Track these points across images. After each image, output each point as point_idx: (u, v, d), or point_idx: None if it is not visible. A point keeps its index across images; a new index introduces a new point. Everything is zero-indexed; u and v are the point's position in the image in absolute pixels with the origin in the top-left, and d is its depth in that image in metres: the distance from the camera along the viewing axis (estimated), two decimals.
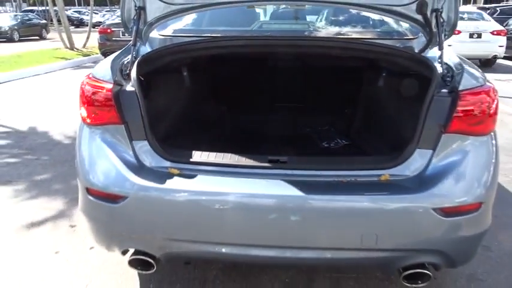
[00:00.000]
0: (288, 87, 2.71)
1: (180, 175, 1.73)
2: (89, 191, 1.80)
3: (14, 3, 38.47)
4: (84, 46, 14.58)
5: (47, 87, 8.54)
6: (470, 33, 10.66)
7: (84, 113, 1.88)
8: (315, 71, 2.58)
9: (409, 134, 1.73)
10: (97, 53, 12.52)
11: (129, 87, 1.83)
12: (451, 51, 2.04)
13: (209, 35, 2.38)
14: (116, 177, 1.73)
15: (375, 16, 2.34)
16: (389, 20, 2.25)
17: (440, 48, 1.89)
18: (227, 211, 1.65)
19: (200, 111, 2.45)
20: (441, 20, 1.93)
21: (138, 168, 1.75)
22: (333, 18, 2.80)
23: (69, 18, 26.78)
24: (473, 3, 29.93)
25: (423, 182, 1.67)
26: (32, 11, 31.65)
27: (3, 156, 4.33)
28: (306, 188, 1.65)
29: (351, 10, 2.37)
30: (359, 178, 1.71)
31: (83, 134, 1.89)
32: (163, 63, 2.07)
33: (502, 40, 10.72)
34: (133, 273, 2.37)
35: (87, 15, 34.12)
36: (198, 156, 1.83)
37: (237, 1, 2.06)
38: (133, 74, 1.84)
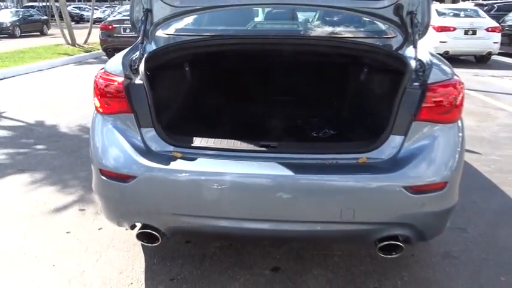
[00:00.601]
0: (281, 81, 2.95)
1: (182, 158, 1.97)
2: (102, 172, 2.03)
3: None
4: (85, 42, 14.79)
5: (50, 82, 8.77)
6: (465, 30, 10.88)
7: (98, 103, 2.12)
8: (306, 67, 2.81)
9: (386, 122, 1.97)
10: (98, 49, 12.73)
11: (138, 80, 2.06)
12: (425, 49, 2.26)
13: (208, 34, 2.62)
14: (126, 159, 1.96)
15: (359, 17, 2.57)
16: (372, 21, 2.47)
17: (415, 46, 2.12)
18: (223, 189, 1.89)
19: (201, 102, 2.69)
20: (415, 21, 2.16)
21: (146, 152, 1.99)
22: (321, 18, 3.04)
23: (70, 14, 26.91)
24: (471, 0, 30.10)
25: (395, 164, 1.90)
26: (32, 6, 31.85)
27: (13, 147, 4.57)
28: (293, 169, 1.89)
29: (341, 11, 2.60)
30: (340, 161, 1.95)
31: (97, 121, 2.13)
32: (167, 59, 2.30)
33: (497, 37, 10.93)
34: (139, 250, 2.61)
35: (88, 11, 34.42)
36: (198, 141, 2.06)
37: (233, 4, 2.29)
38: (142, 68, 2.07)
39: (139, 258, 2.55)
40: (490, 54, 11.04)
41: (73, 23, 16.33)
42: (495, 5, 16.79)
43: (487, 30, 10.88)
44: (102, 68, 2.18)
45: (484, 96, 7.26)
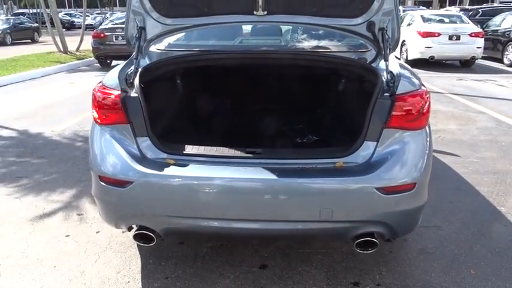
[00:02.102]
0: (266, 92, 3.16)
1: (175, 164, 2.15)
2: (101, 178, 2.21)
3: (4, 6, 38.59)
4: (77, 49, 14.90)
5: (43, 90, 8.89)
6: (449, 35, 11.20)
7: (96, 115, 2.30)
8: (289, 79, 3.03)
9: (360, 129, 2.17)
10: (91, 57, 12.86)
11: (133, 93, 2.24)
12: (396, 62, 2.47)
13: (198, 49, 2.82)
14: (123, 166, 2.14)
15: (337, 33, 2.78)
16: (349, 36, 2.69)
17: (386, 60, 2.33)
18: (212, 192, 2.07)
19: (192, 112, 2.88)
20: (386, 37, 2.38)
21: (141, 159, 2.17)
22: (303, 34, 3.26)
23: (61, 21, 26.94)
24: (458, 4, 30.73)
25: (369, 167, 2.10)
26: (23, 13, 31.86)
27: (10, 156, 4.71)
28: (276, 173, 2.08)
29: (318, 28, 2.82)
30: (319, 165, 2.14)
31: (95, 131, 2.30)
32: (160, 73, 2.49)
33: (480, 42, 11.26)
34: (135, 251, 2.78)
35: (78, 17, 34.53)
36: (190, 149, 2.25)
37: (219, 23, 2.49)
38: (136, 82, 2.26)
39: (136, 258, 2.72)
40: (473, 58, 11.36)
41: (64, 29, 16.41)
42: (480, 10, 17.23)
43: (470, 35, 11.21)
44: (100, 82, 2.36)
45: (466, 100, 7.53)
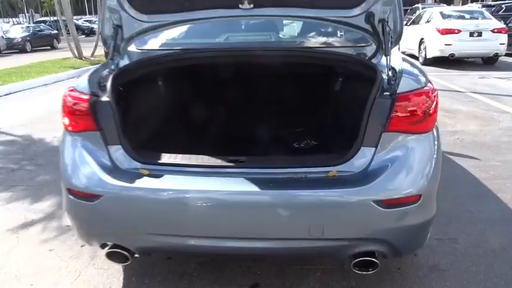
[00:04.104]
0: (255, 93, 2.90)
1: (149, 175, 1.93)
2: (69, 191, 2.00)
3: (27, 14, 39.45)
4: (92, 55, 14.96)
5: (54, 96, 8.84)
6: (470, 32, 10.73)
7: (66, 121, 2.10)
8: (280, 78, 2.77)
9: (357, 133, 1.91)
10: (104, 61, 12.85)
11: (105, 97, 2.04)
12: (399, 57, 2.20)
13: (181, 47, 2.59)
14: (91, 178, 1.93)
15: (333, 26, 2.52)
16: (346, 29, 2.42)
17: (387, 54, 2.06)
18: (187, 207, 1.84)
19: (173, 117, 2.65)
20: (387, 29, 2.11)
21: (112, 170, 1.96)
22: (295, 28, 3.00)
23: (80, 28, 27.25)
24: (481, 1, 29.78)
25: (366, 177, 1.84)
26: (44, 21, 32.45)
27: (8, 162, 4.60)
28: (260, 184, 1.83)
29: (313, 21, 2.56)
30: (309, 175, 1.89)
31: (65, 140, 2.11)
32: (138, 75, 2.28)
33: (503, 38, 10.75)
34: (119, 268, 2.57)
35: (98, 24, 35.03)
36: (166, 157, 2.02)
37: (200, 18, 2.27)
38: (109, 85, 2.05)
39: (118, 276, 2.51)
40: (496, 55, 10.86)
41: (83, 36, 16.56)
42: (503, 6, 16.56)
43: (492, 31, 10.71)
44: (71, 86, 2.16)
45: (488, 99, 7.11)
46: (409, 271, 2.49)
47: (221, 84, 2.81)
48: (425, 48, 11.36)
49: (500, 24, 11.18)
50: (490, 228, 2.94)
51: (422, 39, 11.53)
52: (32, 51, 21.23)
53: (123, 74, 2.18)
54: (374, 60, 2.18)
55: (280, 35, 2.95)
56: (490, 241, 2.79)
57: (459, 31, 10.71)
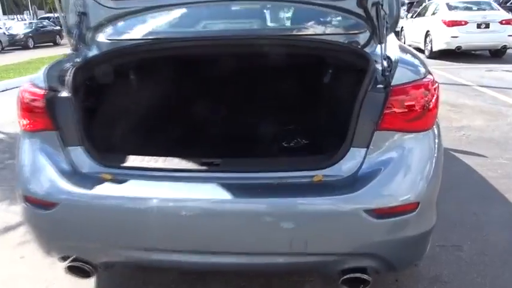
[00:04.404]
0: (236, 87, 2.66)
1: (112, 180, 1.71)
2: (25, 198, 1.80)
3: (31, 11, 39.32)
4: None
5: None
6: (477, 24, 10.40)
7: (21, 120, 1.89)
8: (270, 69, 2.53)
9: (346, 132, 1.68)
10: None
11: (65, 93, 1.82)
12: (396, 44, 1.96)
13: (155, 37, 2.35)
14: (47, 183, 1.72)
15: (322, 11, 2.28)
16: (338, 15, 2.18)
17: (382, 42, 1.82)
18: (153, 217, 1.62)
19: (146, 114, 2.42)
20: (382, 14, 1.86)
21: (71, 174, 1.74)
22: (279, 14, 2.75)
23: None
24: None
25: (356, 182, 1.61)
26: (48, 18, 32.31)
27: None
28: (235, 191, 1.61)
29: (298, 6, 2.32)
30: (291, 180, 1.66)
31: (21, 140, 1.90)
32: (105, 68, 2.05)
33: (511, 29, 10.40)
34: (93, 279, 2.36)
35: None
36: (133, 160, 1.80)
37: (174, 4, 2.04)
38: (69, 79, 1.83)
39: (90, 287, 2.31)
40: (505, 48, 10.51)
41: None
42: None
43: (500, 23, 10.37)
44: (30, 80, 1.95)
45: (496, 92, 6.82)
46: (408, 283, 2.26)
47: (199, 77, 2.57)
48: (431, 41, 11.03)
49: (509, 16, 10.83)
50: (497, 234, 2.70)
51: (428, 31, 11.20)
52: (35, 47, 21.07)
53: (87, 66, 1.96)
54: (368, 49, 1.93)
55: (264, 22, 2.69)
56: (497, 248, 2.55)
57: (466, 23, 10.38)
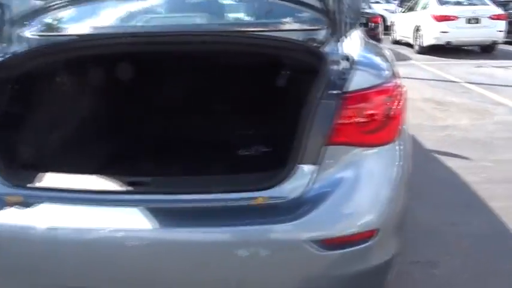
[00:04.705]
0: (182, 90, 2.37)
1: (20, 204, 1.45)
2: None
3: None
4: None
5: None
6: (467, 19, 10.20)
7: None
8: (214, 70, 2.26)
9: (294, 146, 1.44)
10: None
11: None
12: (362, 41, 1.72)
13: (85, 33, 2.05)
14: None
15: (277, 4, 2.03)
16: (294, 8, 1.92)
17: (340, 39, 1.57)
18: (65, 250, 1.37)
19: (69, 122, 2.11)
20: (342, 6, 1.61)
21: None
22: (229, 8, 2.48)
23: None
24: None
25: (302, 206, 1.37)
26: None
27: None
28: (162, 218, 1.36)
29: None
30: (227, 202, 1.41)
31: None
32: (24, 68, 1.78)
33: (502, 25, 10.24)
34: None
35: None
36: (48, 179, 1.54)
37: None
38: None
39: None
40: (495, 43, 10.35)
41: None
42: None
43: (490, 18, 10.19)
44: None
45: (484, 89, 6.63)
46: None
47: (135, 79, 2.27)
48: (421, 36, 10.82)
49: (499, 10, 10.63)
50: (478, 247, 2.48)
51: (418, 26, 10.98)
52: None
53: (3, 66, 1.69)
54: (328, 48, 1.67)
55: (211, 16, 2.41)
56: (478, 264, 2.33)
57: (456, 18, 10.17)
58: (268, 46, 1.65)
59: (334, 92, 1.41)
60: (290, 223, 1.33)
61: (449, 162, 3.71)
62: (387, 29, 14.14)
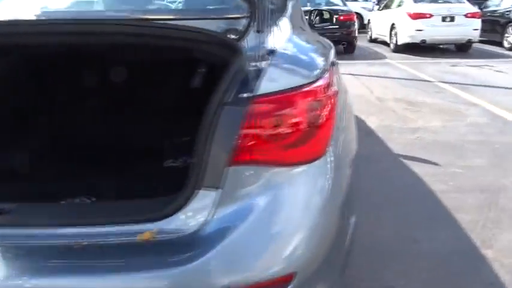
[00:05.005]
0: (89, 91, 2.00)
1: None
2: None
3: None
4: None
5: None
6: (442, 17, 10.05)
7: None
8: (117, 67, 1.90)
9: (192, 167, 1.11)
10: None
11: None
12: (292, 32, 1.41)
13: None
14: None
15: None
16: None
17: (260, 30, 1.25)
18: None
19: None
20: None
21: None
22: None
23: None
24: None
25: (200, 244, 1.05)
26: None
27: None
28: (20, 260, 1.02)
29: None
30: (106, 238, 1.08)
31: None
32: None
33: (477, 23, 10.10)
34: None
35: None
36: None
37: None
38: None
39: None
40: (470, 42, 10.21)
41: None
42: None
43: (466, 16, 10.05)
44: None
45: (457, 89, 6.44)
46: None
47: (36, 75, 1.89)
48: (396, 34, 10.63)
49: (474, 9, 10.52)
50: (440, 268, 2.21)
51: (393, 24, 10.79)
52: None
53: None
54: (245, 40, 1.34)
55: (114, 3, 2.05)
56: None
57: (431, 15, 10.01)
58: (176, 38, 1.31)
59: (244, 95, 1.08)
60: (183, 267, 1.01)
61: (417, 168, 3.45)
62: (364, 27, 13.99)
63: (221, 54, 1.28)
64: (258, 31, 1.24)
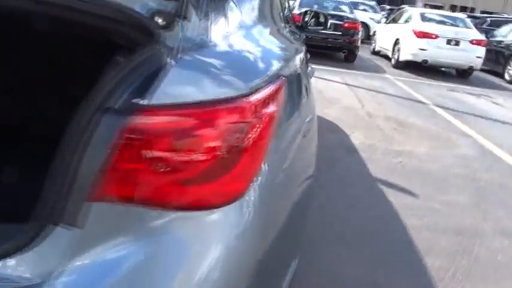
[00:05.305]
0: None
1: None
2: None
3: None
4: None
5: None
6: (448, 39, 9.78)
7: None
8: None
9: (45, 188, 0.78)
10: None
11: None
12: (240, 24, 1.10)
13: None
14: None
15: None
16: None
17: (185, 16, 0.92)
18: None
19: None
20: None
21: None
22: None
23: None
24: (469, 11, 29.05)
25: None
26: None
27: None
28: None
29: None
30: None
31: None
32: None
33: (481, 51, 9.86)
34: None
35: None
36: None
37: None
38: None
39: None
40: (471, 69, 9.97)
41: None
42: (487, 19, 15.78)
43: (471, 42, 9.80)
44: None
45: (451, 116, 6.18)
46: None
47: None
48: (399, 49, 10.35)
49: (480, 36, 10.29)
50: None
51: (397, 39, 10.52)
52: None
53: None
54: (176, 30, 1.01)
55: None
56: None
57: (436, 36, 9.75)
58: (81, 11, 0.98)
59: (139, 101, 0.76)
60: None
61: (393, 197, 3.17)
62: (369, 38, 13.71)
63: (137, 40, 0.96)
64: (184, 17, 0.92)
